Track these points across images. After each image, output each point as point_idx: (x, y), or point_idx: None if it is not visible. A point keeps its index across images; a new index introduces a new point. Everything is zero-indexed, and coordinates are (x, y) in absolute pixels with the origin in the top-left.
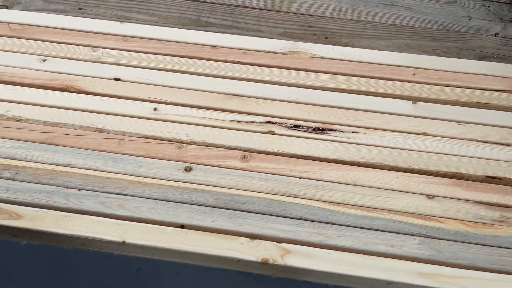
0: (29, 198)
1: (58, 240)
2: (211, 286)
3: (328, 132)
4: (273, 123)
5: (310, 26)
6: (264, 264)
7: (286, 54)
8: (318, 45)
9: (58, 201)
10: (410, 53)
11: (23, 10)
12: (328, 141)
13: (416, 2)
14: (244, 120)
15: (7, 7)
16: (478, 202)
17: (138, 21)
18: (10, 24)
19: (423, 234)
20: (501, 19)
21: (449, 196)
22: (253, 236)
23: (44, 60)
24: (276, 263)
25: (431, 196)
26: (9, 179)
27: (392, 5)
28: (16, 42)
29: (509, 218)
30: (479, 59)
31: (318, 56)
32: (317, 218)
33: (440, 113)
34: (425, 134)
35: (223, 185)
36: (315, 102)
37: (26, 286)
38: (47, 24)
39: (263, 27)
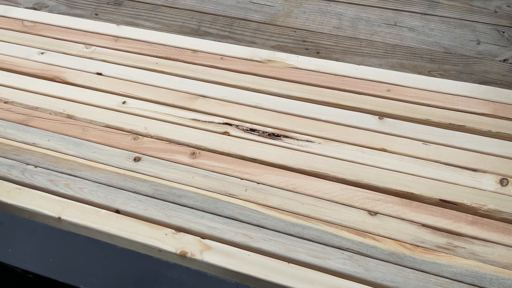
0: None
1: (9, 210)
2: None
3: (283, 138)
4: (230, 124)
5: (304, 41)
6: (182, 256)
7: (262, 62)
8: (295, 55)
9: (15, 174)
10: (386, 70)
11: (48, 12)
12: (279, 147)
13: (422, 23)
14: (203, 120)
15: (35, 9)
16: (424, 225)
17: (144, 27)
18: (23, 21)
19: (353, 250)
20: None
21: (393, 215)
22: (178, 229)
23: (42, 53)
24: (193, 257)
25: (373, 213)
26: None
27: (395, 25)
28: (24, 37)
29: (456, 246)
30: (480, 84)
31: (293, 67)
32: (247, 220)
33: (407, 131)
34: (384, 150)
35: (165, 178)
36: (277, 109)
37: None
38: (55, 23)
39: (257, 39)
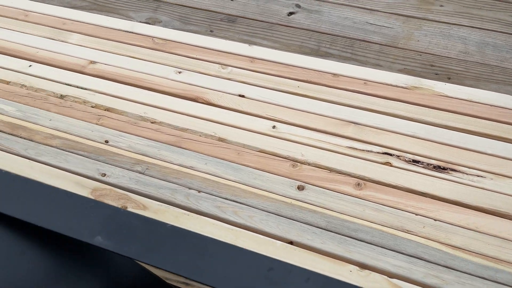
0: (155, 193)
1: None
2: None
3: (450, 172)
4: (390, 155)
5: (432, 65)
6: None
7: (408, 89)
8: (443, 83)
9: (180, 199)
10: None
11: (178, 30)
12: (449, 181)
13: None
14: (360, 148)
15: (149, 24)
16: None
17: (262, 46)
18: (154, 38)
19: None
20: None
21: None
22: (362, 266)
23: (179, 72)
24: None
25: None
26: (140, 172)
27: None
28: (158, 55)
29: None
30: None
31: (443, 95)
32: (433, 259)
33: None
34: None
35: (335, 209)
36: (437, 140)
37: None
38: (185, 41)
39: (382, 62)
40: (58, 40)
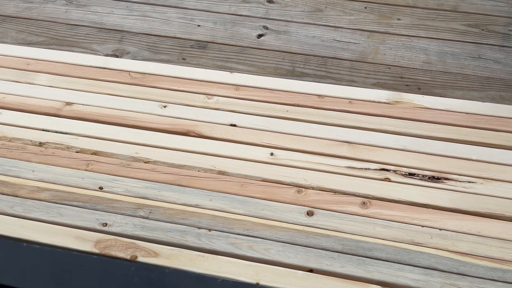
0: (164, 237)
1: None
2: None
3: (444, 181)
4: (387, 170)
5: (401, 77)
6: None
7: (390, 104)
8: (421, 96)
9: (191, 240)
10: (506, 105)
11: (132, 59)
12: (445, 190)
13: (503, 55)
14: (358, 167)
15: (117, 56)
16: None
17: (238, 71)
18: (130, 73)
19: None
20: None
21: None
22: (384, 284)
23: (164, 107)
24: None
25: None
26: (144, 217)
27: (480, 58)
28: (138, 90)
29: None
30: None
31: (423, 107)
32: (447, 268)
33: None
34: None
35: (347, 231)
36: (426, 151)
37: None
38: (164, 73)
39: (356, 78)
40: (25, 83)
